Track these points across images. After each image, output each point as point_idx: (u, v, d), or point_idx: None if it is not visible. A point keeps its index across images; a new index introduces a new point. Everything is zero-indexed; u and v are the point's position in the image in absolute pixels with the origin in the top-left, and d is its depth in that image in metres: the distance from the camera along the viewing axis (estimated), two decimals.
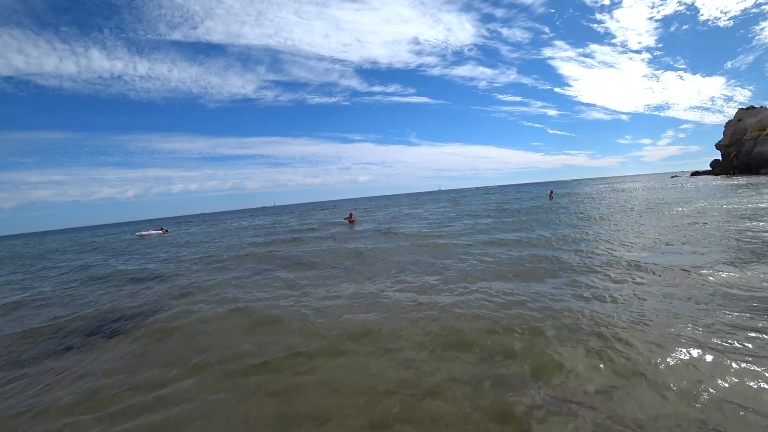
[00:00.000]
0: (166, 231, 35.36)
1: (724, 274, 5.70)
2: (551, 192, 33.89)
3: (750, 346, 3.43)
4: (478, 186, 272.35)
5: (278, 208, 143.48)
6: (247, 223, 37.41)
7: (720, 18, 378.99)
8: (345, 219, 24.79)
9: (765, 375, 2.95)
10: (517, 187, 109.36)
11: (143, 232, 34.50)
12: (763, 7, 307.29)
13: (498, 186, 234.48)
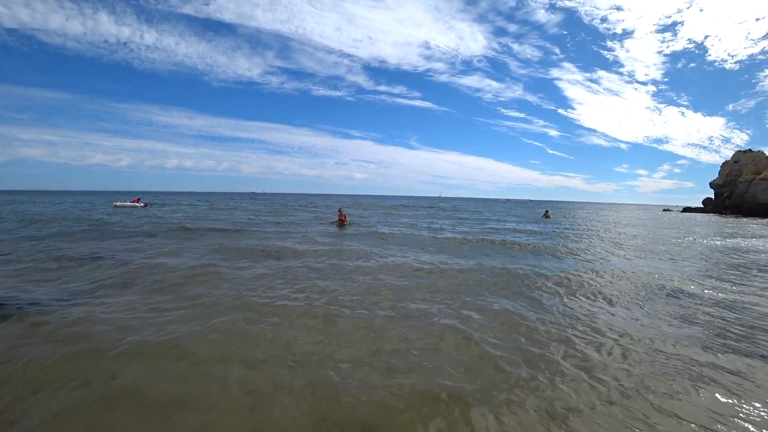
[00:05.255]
0: (145, 205, 31.79)
1: None
2: (546, 211, 33.69)
3: None
4: (508, 198, 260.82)
5: (267, 195, 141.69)
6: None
7: (727, 60, 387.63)
8: (333, 222, 18.70)
9: None
10: (546, 203, 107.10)
11: (119, 203, 32.39)
12: None
13: (530, 200, 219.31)
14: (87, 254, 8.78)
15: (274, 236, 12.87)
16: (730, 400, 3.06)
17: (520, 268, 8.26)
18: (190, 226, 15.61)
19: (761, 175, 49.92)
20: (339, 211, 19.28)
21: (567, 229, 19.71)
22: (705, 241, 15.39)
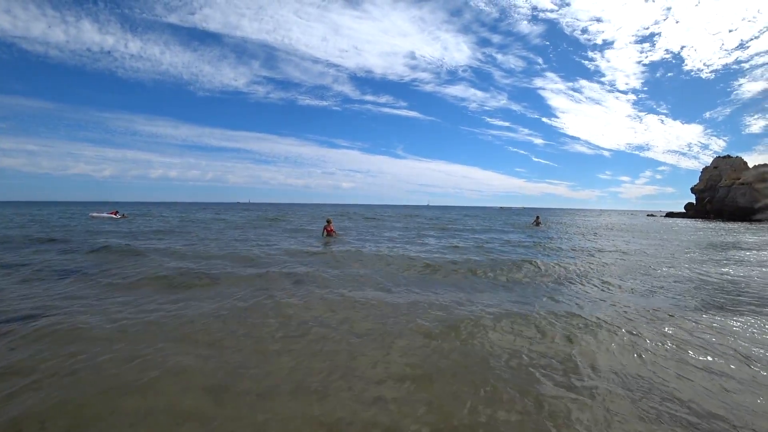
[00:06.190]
0: (123, 215, 31.76)
1: None
2: (537, 217, 32.98)
3: None
4: (502, 206, 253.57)
5: (252, 205, 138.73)
6: None
7: (703, 70, 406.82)
8: (322, 229, 17.80)
9: None
10: (535, 210, 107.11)
11: (95, 214, 32.50)
12: (743, 64, 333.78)
13: (522, 208, 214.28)
14: None
15: (229, 259, 11.36)
16: None
17: (517, 306, 7.04)
18: (138, 247, 13.88)
19: (740, 180, 50.89)
20: (327, 221, 18.24)
21: (558, 238, 18.82)
22: (715, 256, 14.58)
